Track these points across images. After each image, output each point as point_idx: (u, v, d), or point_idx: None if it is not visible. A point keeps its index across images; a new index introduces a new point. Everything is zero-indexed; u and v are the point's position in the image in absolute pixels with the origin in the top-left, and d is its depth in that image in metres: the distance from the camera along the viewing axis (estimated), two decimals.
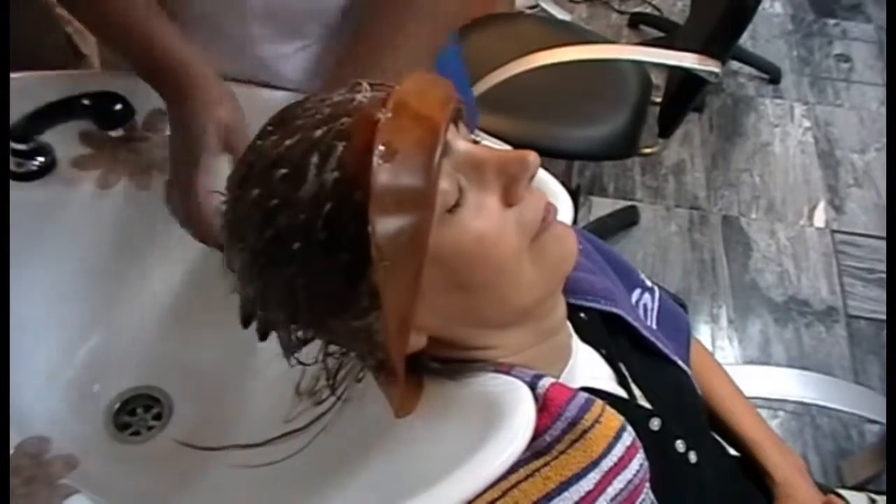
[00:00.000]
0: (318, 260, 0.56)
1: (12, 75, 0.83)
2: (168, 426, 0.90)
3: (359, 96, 0.59)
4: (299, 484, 0.71)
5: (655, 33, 3.11)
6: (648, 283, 0.92)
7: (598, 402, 0.61)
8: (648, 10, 3.22)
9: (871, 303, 2.23)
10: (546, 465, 0.59)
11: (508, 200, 0.60)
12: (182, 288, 0.93)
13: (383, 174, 0.53)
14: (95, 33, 0.94)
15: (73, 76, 0.98)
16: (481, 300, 0.61)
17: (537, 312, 0.65)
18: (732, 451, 0.95)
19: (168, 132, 0.91)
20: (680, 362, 0.84)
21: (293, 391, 0.72)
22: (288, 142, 0.57)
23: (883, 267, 2.29)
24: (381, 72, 0.83)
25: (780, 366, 2.07)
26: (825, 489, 0.96)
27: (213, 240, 0.78)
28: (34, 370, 0.86)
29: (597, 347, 0.75)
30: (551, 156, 1.84)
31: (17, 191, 0.84)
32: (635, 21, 3.16)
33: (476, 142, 0.62)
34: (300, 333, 0.64)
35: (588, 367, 0.72)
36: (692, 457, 0.74)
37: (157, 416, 0.90)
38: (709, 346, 2.09)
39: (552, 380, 0.61)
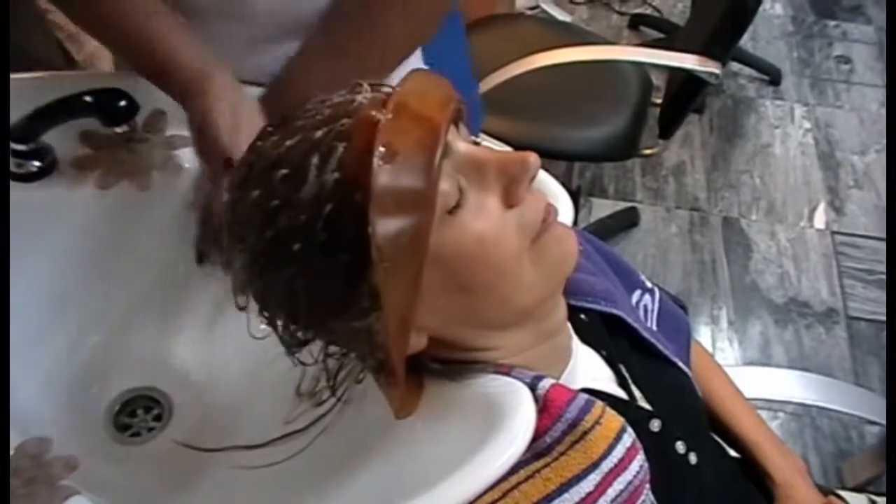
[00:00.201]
0: (319, 261, 0.56)
1: (12, 75, 0.83)
2: (168, 427, 0.90)
3: (359, 97, 0.59)
4: (299, 485, 0.71)
5: (656, 34, 3.11)
6: (648, 285, 0.92)
7: (599, 404, 0.61)
8: (649, 11, 3.22)
9: (872, 304, 2.23)
10: (546, 466, 0.59)
11: (509, 201, 0.60)
12: (182, 289, 0.93)
13: (384, 175, 0.53)
14: (95, 35, 0.93)
15: (73, 76, 0.99)
16: (482, 301, 0.61)
17: (538, 313, 0.65)
18: (733, 453, 0.95)
19: (168, 133, 0.92)
20: (680, 364, 0.84)
21: (293, 392, 0.72)
22: (288, 142, 0.57)
23: (883, 268, 2.29)
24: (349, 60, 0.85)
25: (781, 367, 2.06)
26: (825, 490, 0.96)
27: None
28: (34, 371, 0.86)
29: (597, 349, 0.75)
30: (552, 157, 1.85)
31: (18, 191, 0.84)
32: (635, 22, 3.16)
33: (476, 143, 0.62)
34: (300, 334, 0.64)
35: (588, 369, 0.72)
36: (692, 458, 0.74)
37: (158, 417, 0.90)
38: (709, 348, 2.09)
39: (552, 381, 0.61)
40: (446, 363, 0.65)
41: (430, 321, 0.60)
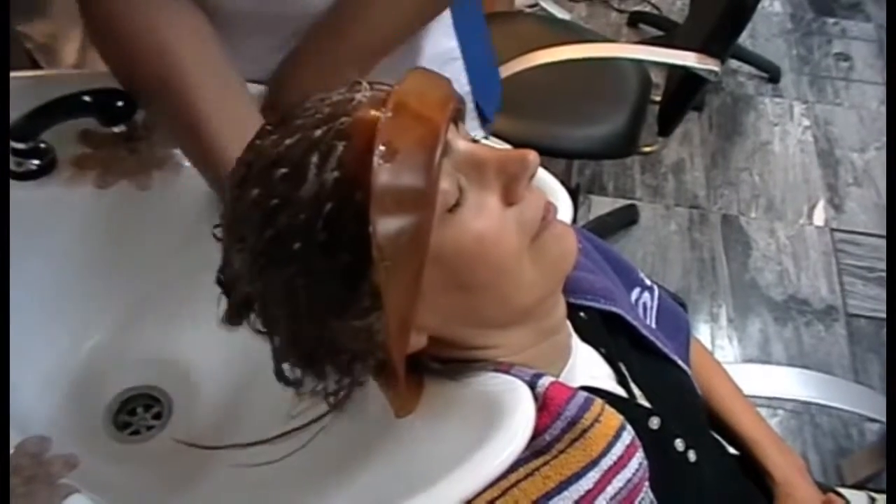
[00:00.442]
0: (319, 260, 0.56)
1: (12, 74, 0.83)
2: (168, 426, 0.90)
3: (358, 96, 0.59)
4: (299, 483, 0.71)
5: (655, 32, 3.11)
6: (648, 282, 0.92)
7: (598, 402, 0.61)
8: (648, 8, 3.22)
9: (871, 301, 2.23)
10: (546, 464, 0.59)
11: (508, 200, 0.60)
12: (182, 287, 0.93)
13: (384, 174, 0.53)
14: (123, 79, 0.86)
15: (73, 76, 0.98)
16: (482, 300, 0.61)
17: (537, 312, 0.65)
18: (732, 450, 0.95)
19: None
20: (679, 361, 0.85)
21: (293, 391, 0.72)
22: (288, 141, 0.57)
23: (882, 265, 2.30)
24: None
25: (780, 365, 2.07)
26: (825, 488, 0.96)
27: None
28: (34, 370, 0.86)
29: (596, 347, 0.75)
30: (551, 155, 1.85)
31: (17, 190, 0.84)
32: (635, 20, 3.16)
33: (475, 141, 0.62)
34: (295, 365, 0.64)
35: (588, 367, 0.72)
36: (691, 456, 0.74)
37: (157, 416, 0.90)
38: (708, 345, 2.09)
39: (552, 379, 0.62)
40: (446, 362, 0.65)
41: (430, 320, 0.60)
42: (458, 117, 0.62)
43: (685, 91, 1.78)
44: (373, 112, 0.56)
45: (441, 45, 0.96)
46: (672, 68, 1.85)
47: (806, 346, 2.12)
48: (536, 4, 3.03)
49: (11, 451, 0.65)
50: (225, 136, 0.77)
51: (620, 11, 3.21)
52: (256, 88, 0.89)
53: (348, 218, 0.54)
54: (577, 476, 0.58)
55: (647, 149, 1.95)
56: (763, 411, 1.00)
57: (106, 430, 0.88)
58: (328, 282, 0.56)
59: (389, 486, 0.62)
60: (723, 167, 2.63)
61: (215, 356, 0.92)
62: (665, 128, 1.88)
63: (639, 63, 1.99)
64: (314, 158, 0.55)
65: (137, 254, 0.93)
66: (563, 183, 0.80)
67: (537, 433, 0.59)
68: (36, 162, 0.87)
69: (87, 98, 0.84)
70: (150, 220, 0.91)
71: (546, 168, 0.73)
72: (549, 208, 0.62)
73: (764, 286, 2.27)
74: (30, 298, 0.84)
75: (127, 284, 0.93)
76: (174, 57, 0.78)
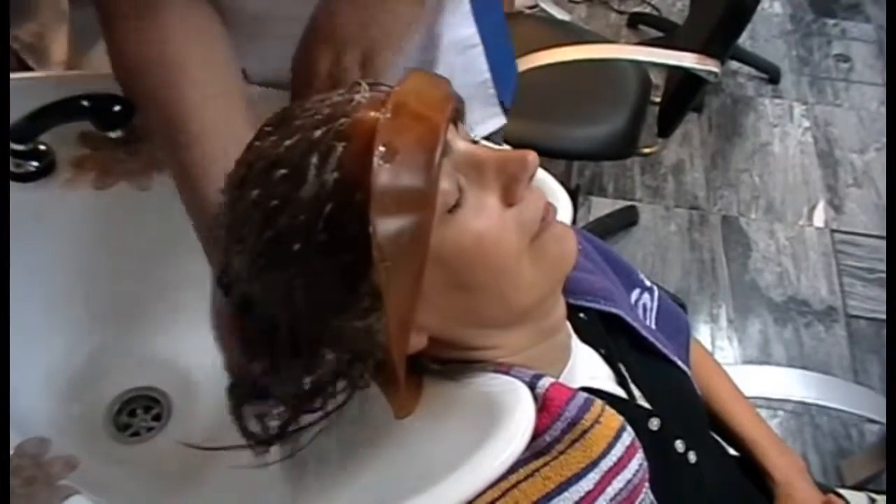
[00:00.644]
0: (319, 261, 0.56)
1: (12, 76, 0.83)
2: (167, 427, 0.90)
3: (357, 96, 0.59)
4: (299, 484, 0.71)
5: (654, 33, 3.11)
6: (647, 283, 0.92)
7: (598, 402, 0.61)
8: (647, 9, 3.22)
9: (871, 302, 2.23)
10: (546, 465, 0.59)
11: (508, 200, 0.60)
12: (181, 288, 0.92)
13: (384, 174, 0.53)
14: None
15: (73, 77, 0.98)
16: (481, 300, 0.61)
17: (537, 312, 0.65)
18: (732, 452, 0.95)
19: None
20: (679, 362, 0.84)
21: None
22: (287, 142, 0.57)
23: (882, 266, 2.30)
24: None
25: (780, 366, 2.07)
26: (825, 489, 0.96)
27: None
28: (34, 371, 0.86)
29: (596, 347, 0.75)
30: (551, 156, 1.85)
31: (16, 191, 0.84)
32: (634, 21, 3.16)
33: (475, 141, 0.62)
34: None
35: (587, 367, 0.72)
36: (692, 457, 0.74)
37: (157, 417, 0.90)
38: (708, 346, 2.09)
39: (552, 380, 0.62)
40: (446, 362, 0.65)
41: (430, 320, 0.60)
42: (457, 117, 0.62)
43: (685, 92, 1.78)
44: (372, 113, 0.56)
45: (460, 33, 0.96)
46: (672, 69, 1.85)
47: (806, 347, 2.12)
48: (536, 5, 3.03)
49: (11, 452, 0.65)
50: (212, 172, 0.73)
51: (620, 12, 3.21)
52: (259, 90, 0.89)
53: (348, 219, 0.54)
54: (578, 477, 0.58)
55: (647, 150, 1.95)
56: (763, 412, 1.00)
57: (106, 431, 0.88)
58: (328, 283, 0.56)
59: (389, 487, 0.62)
60: (722, 168, 2.63)
61: (215, 357, 0.92)
62: (665, 129, 1.88)
63: (638, 64, 1.99)
64: (314, 159, 0.55)
65: (137, 254, 0.93)
66: (563, 184, 0.80)
67: (537, 434, 0.58)
68: (35, 163, 0.87)
69: (85, 102, 0.84)
70: (149, 222, 0.91)
71: (546, 169, 0.73)
72: (549, 209, 0.62)
73: (764, 287, 2.27)
74: (29, 300, 0.84)
75: (126, 286, 0.93)
76: (173, 75, 0.75)
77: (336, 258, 0.55)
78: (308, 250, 0.55)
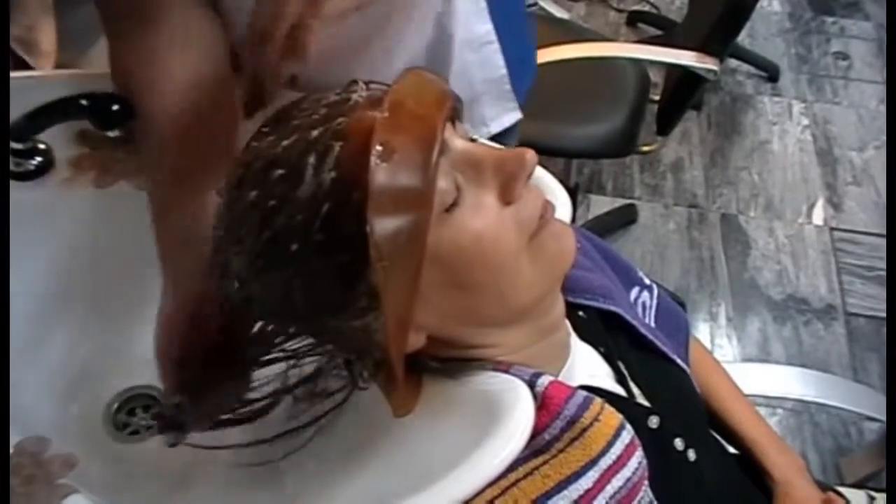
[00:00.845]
0: (317, 261, 0.56)
1: (12, 75, 0.83)
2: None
3: (355, 96, 0.59)
4: (299, 483, 0.71)
5: (653, 31, 3.10)
6: (647, 281, 0.92)
7: (597, 401, 0.61)
8: (647, 8, 3.22)
9: (870, 300, 2.23)
10: (545, 463, 0.59)
11: (506, 198, 0.60)
12: None
13: (381, 174, 0.53)
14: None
15: (71, 76, 0.98)
16: (480, 299, 0.61)
17: (536, 311, 0.65)
18: (731, 450, 0.95)
19: None
20: (678, 360, 0.85)
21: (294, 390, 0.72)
22: (284, 142, 0.57)
23: (882, 264, 2.30)
24: None
25: (779, 364, 2.07)
26: (824, 487, 0.96)
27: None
28: (33, 369, 0.86)
29: (595, 346, 0.75)
30: (550, 154, 1.85)
31: (15, 190, 0.84)
32: (633, 19, 3.16)
33: (473, 140, 0.62)
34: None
35: (587, 366, 0.72)
36: (691, 455, 0.74)
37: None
38: (707, 345, 2.09)
39: (551, 378, 0.62)
40: (445, 361, 0.65)
41: (429, 319, 0.60)
42: (455, 116, 0.62)
43: (684, 90, 1.78)
44: (369, 112, 0.56)
45: (475, 30, 0.96)
46: (671, 67, 1.85)
47: (805, 345, 2.12)
48: (535, 4, 3.01)
49: (11, 450, 0.65)
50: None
51: (619, 11, 3.21)
52: None
53: (346, 218, 0.54)
54: (577, 475, 0.58)
55: (646, 148, 1.95)
56: (762, 410, 1.00)
57: (105, 429, 0.88)
58: (326, 282, 0.56)
59: (389, 485, 0.62)
60: (722, 166, 2.63)
61: None
62: (664, 127, 1.88)
63: (637, 62, 1.99)
64: (311, 159, 0.55)
65: (136, 254, 0.93)
66: (562, 182, 0.80)
67: (536, 432, 0.59)
68: (34, 162, 0.87)
69: (83, 101, 0.84)
70: (148, 221, 0.91)
71: (545, 167, 0.73)
72: (547, 207, 0.62)
73: (763, 285, 2.27)
74: (29, 299, 0.84)
75: (126, 284, 0.93)
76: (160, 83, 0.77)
77: (334, 258, 0.55)
78: (306, 250, 0.55)
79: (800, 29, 3.21)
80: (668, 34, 2.95)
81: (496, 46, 0.99)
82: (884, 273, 2.25)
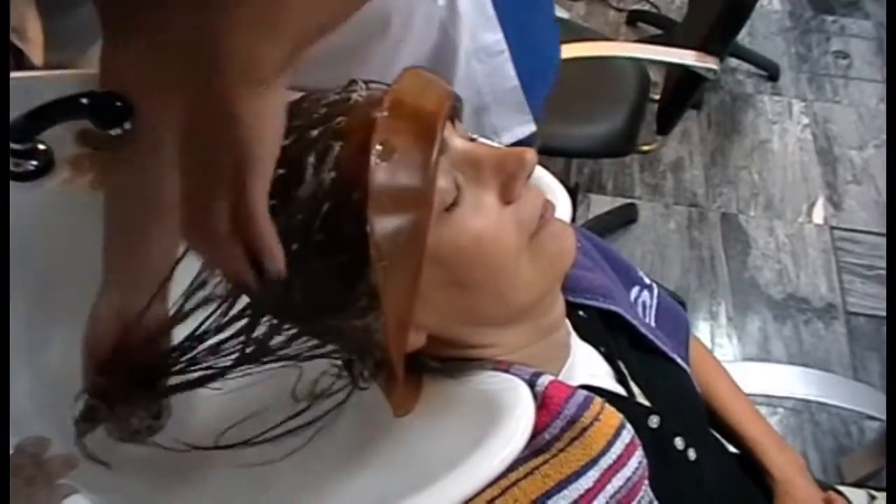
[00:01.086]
0: (317, 261, 0.56)
1: (12, 75, 0.83)
2: (167, 425, 0.89)
3: (354, 95, 0.59)
4: (299, 483, 0.71)
5: (653, 31, 3.11)
6: (647, 281, 0.92)
7: (598, 400, 0.61)
8: (646, 7, 3.22)
9: (871, 299, 2.23)
10: (545, 462, 0.59)
11: (506, 198, 0.60)
12: (180, 287, 0.92)
13: (381, 173, 0.53)
14: None
15: (72, 76, 0.98)
16: (480, 298, 0.61)
17: (536, 310, 0.65)
18: (732, 449, 0.95)
19: None
20: (679, 360, 0.84)
21: (291, 392, 0.72)
22: (284, 142, 0.57)
23: (882, 263, 2.29)
24: None
25: (780, 363, 2.07)
26: (825, 486, 0.96)
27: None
28: (33, 369, 0.86)
29: (595, 345, 0.75)
30: (549, 153, 1.84)
31: (15, 190, 0.84)
32: (633, 18, 3.16)
33: (473, 139, 0.62)
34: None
35: (587, 365, 0.72)
36: (691, 454, 0.74)
37: (157, 416, 0.90)
38: (708, 344, 2.09)
39: (551, 377, 0.62)
40: (445, 361, 0.65)
41: (429, 319, 0.60)
42: (454, 115, 0.62)
43: (684, 89, 1.78)
44: (369, 111, 0.56)
45: (482, 39, 0.96)
46: (671, 67, 1.85)
47: (805, 345, 2.12)
48: None
49: (11, 451, 0.65)
50: None
51: (619, 10, 3.21)
52: None
53: (346, 218, 0.54)
54: (577, 475, 0.58)
55: (646, 147, 1.95)
56: (763, 409, 1.00)
57: (105, 429, 0.88)
58: (326, 282, 0.56)
59: (388, 485, 0.62)
60: (722, 165, 2.63)
61: None
62: (664, 126, 1.88)
63: (637, 61, 1.99)
64: (311, 159, 0.55)
65: None
66: (562, 182, 0.80)
67: (537, 432, 0.58)
68: (33, 163, 0.87)
69: (84, 101, 0.84)
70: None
71: (545, 167, 0.73)
72: (548, 206, 0.62)
73: (763, 284, 2.27)
74: (28, 298, 0.84)
75: None
76: None
77: (334, 258, 0.55)
78: (306, 250, 0.55)
79: (800, 28, 3.21)
80: (668, 33, 2.95)
81: (507, 56, 0.98)
82: (884, 272, 2.25)
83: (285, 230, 0.55)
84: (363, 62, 0.86)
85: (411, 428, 0.64)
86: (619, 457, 0.59)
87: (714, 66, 1.66)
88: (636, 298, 0.89)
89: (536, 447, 0.59)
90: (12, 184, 0.86)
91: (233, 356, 0.66)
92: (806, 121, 2.80)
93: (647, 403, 0.74)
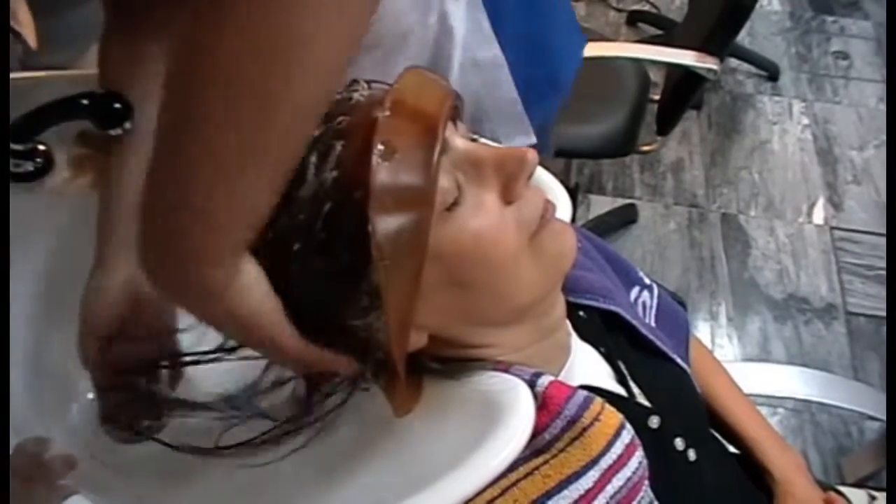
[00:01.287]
0: (318, 260, 0.56)
1: (12, 75, 0.83)
2: (167, 425, 0.89)
3: (356, 95, 0.59)
4: (299, 483, 0.71)
5: (653, 31, 3.11)
6: (647, 281, 0.92)
7: (598, 400, 0.61)
8: (646, 7, 3.22)
9: (871, 300, 2.23)
10: (545, 463, 0.59)
11: (507, 198, 0.60)
12: None
13: (382, 173, 0.53)
14: None
15: (72, 76, 0.98)
16: (481, 298, 0.61)
17: (536, 310, 0.65)
18: (732, 449, 0.95)
19: None
20: (679, 360, 0.84)
21: (294, 389, 0.72)
22: None
23: (882, 263, 2.29)
24: None
25: (780, 363, 2.07)
26: (825, 486, 0.96)
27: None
28: (33, 370, 0.86)
29: (596, 346, 0.75)
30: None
31: (15, 191, 0.84)
32: (633, 19, 3.16)
33: (474, 139, 0.62)
34: None
35: (587, 366, 0.72)
36: (691, 454, 0.74)
37: (157, 416, 0.90)
38: (708, 344, 2.09)
39: (551, 378, 0.61)
40: (445, 361, 0.65)
41: (430, 319, 0.60)
42: (456, 115, 0.62)
43: (684, 90, 1.78)
44: (371, 111, 0.56)
45: (478, 54, 0.95)
46: (671, 67, 1.85)
47: (805, 345, 2.12)
48: None
49: (11, 451, 0.65)
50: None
51: (619, 10, 3.21)
52: None
53: (347, 217, 0.54)
54: (577, 475, 0.58)
55: (646, 148, 1.95)
56: (763, 410, 1.00)
57: (106, 430, 0.88)
58: (327, 282, 0.56)
59: (389, 485, 0.62)
60: (722, 166, 2.63)
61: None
62: (664, 127, 1.88)
63: (637, 62, 1.99)
64: (313, 158, 0.55)
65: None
66: (563, 182, 0.80)
67: (537, 432, 0.58)
68: (34, 163, 0.87)
69: (84, 101, 0.84)
70: None
71: (545, 167, 0.73)
72: (548, 206, 0.62)
73: (763, 285, 2.27)
74: (28, 299, 0.84)
75: None
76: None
77: (335, 257, 0.55)
78: (307, 250, 0.55)
79: (800, 28, 3.21)
80: (668, 34, 2.95)
81: (506, 71, 0.98)
82: (884, 272, 2.25)
83: (287, 229, 0.56)
84: (353, 75, 0.86)
85: (411, 428, 0.64)
86: (620, 457, 0.59)
87: (714, 67, 1.66)
88: (636, 299, 0.89)
89: (536, 447, 0.59)
90: (12, 184, 0.86)
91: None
92: (806, 121, 2.80)
93: (647, 404, 0.74)
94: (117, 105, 0.84)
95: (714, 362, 1.01)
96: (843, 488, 1.01)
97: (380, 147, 0.54)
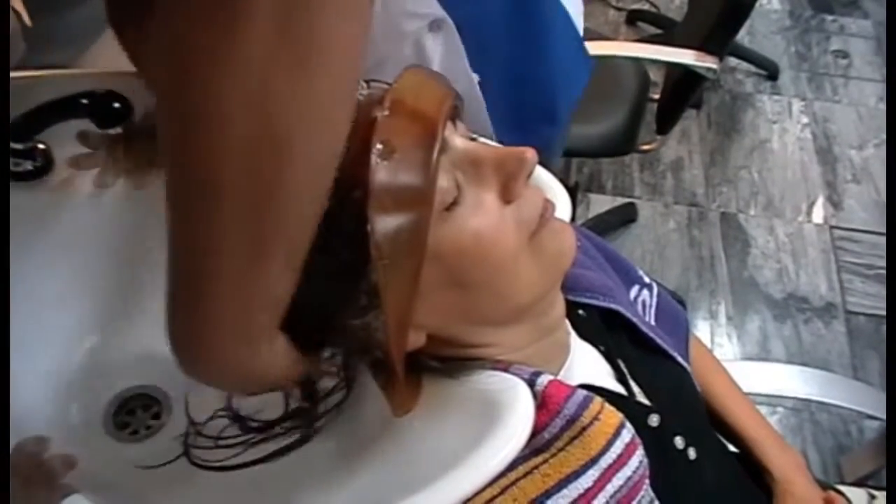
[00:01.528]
0: (317, 259, 0.56)
1: (12, 75, 0.83)
2: (167, 425, 0.89)
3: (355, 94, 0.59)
4: (298, 483, 0.71)
5: (653, 30, 3.10)
6: (647, 280, 0.92)
7: (597, 399, 0.61)
8: (646, 6, 3.22)
9: (870, 299, 2.23)
10: (545, 462, 0.59)
11: (506, 197, 0.60)
12: None
13: (382, 172, 0.53)
14: None
15: (71, 75, 0.98)
16: (480, 297, 0.61)
17: (536, 309, 0.65)
18: (732, 448, 0.95)
19: None
20: (679, 359, 0.84)
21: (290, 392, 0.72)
22: None
23: (882, 263, 2.30)
24: None
25: (779, 362, 2.07)
26: (824, 485, 0.96)
27: None
28: (33, 370, 0.86)
29: (595, 344, 0.75)
30: None
31: (14, 191, 0.84)
32: (633, 18, 3.16)
33: (473, 139, 0.62)
34: None
35: (587, 364, 0.72)
36: (691, 453, 0.74)
37: (156, 416, 0.90)
38: (707, 343, 2.09)
39: (550, 377, 0.61)
40: (444, 360, 0.65)
41: (429, 318, 0.60)
42: (455, 115, 0.62)
43: (683, 89, 1.78)
44: (370, 110, 0.56)
45: (460, 82, 0.95)
46: (670, 66, 1.85)
47: (805, 344, 2.12)
48: None
49: (10, 450, 0.65)
50: None
51: (618, 9, 3.21)
52: None
53: (346, 217, 0.54)
54: (577, 474, 0.58)
55: (646, 147, 1.95)
56: (762, 409, 1.00)
57: (105, 429, 0.88)
58: (326, 281, 0.56)
59: (388, 485, 0.62)
60: (721, 165, 2.63)
61: None
62: (663, 126, 1.88)
63: (637, 61, 1.99)
64: None
65: (136, 253, 0.93)
66: (562, 181, 0.80)
67: (536, 431, 0.58)
68: (34, 162, 0.87)
69: (84, 100, 0.84)
70: (148, 220, 0.91)
71: (544, 166, 0.73)
72: (548, 206, 0.62)
73: (763, 284, 2.27)
74: (28, 298, 0.84)
75: (125, 284, 0.93)
76: None
77: (334, 256, 0.55)
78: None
79: (799, 27, 3.21)
80: (668, 33, 2.94)
81: (482, 106, 0.97)
82: (884, 271, 2.25)
83: None
84: None
85: (411, 427, 0.64)
86: (620, 456, 0.59)
87: (714, 66, 1.65)
88: (636, 297, 0.89)
89: (536, 447, 0.59)
90: (12, 183, 0.86)
91: None
92: (805, 120, 2.80)
93: (647, 402, 0.74)
94: (117, 104, 0.85)
95: (713, 361, 1.01)
96: (842, 487, 1.01)
97: (379, 146, 0.54)
